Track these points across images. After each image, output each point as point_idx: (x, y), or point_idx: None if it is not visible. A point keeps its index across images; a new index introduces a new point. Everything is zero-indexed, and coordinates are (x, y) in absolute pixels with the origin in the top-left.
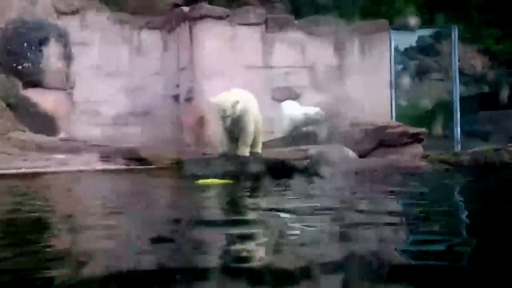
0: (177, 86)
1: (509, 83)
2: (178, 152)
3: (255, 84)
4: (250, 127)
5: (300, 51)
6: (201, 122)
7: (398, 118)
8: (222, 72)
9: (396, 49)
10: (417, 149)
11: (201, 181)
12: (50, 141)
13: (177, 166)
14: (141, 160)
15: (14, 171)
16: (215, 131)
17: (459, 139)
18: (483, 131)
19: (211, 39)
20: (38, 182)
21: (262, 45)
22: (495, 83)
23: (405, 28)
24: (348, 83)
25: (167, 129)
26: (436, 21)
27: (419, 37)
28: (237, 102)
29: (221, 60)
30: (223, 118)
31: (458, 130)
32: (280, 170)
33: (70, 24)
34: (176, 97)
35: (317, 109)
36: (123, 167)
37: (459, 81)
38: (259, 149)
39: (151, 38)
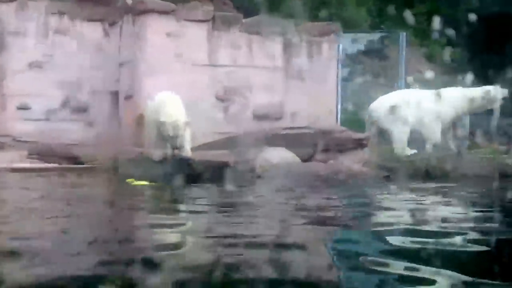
0: (117, 81)
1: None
2: (116, 151)
3: (200, 82)
4: (189, 130)
5: (247, 50)
6: (141, 120)
7: (344, 122)
8: (165, 69)
9: (344, 52)
10: (360, 154)
11: (133, 181)
12: None
13: (114, 166)
14: (75, 159)
15: None
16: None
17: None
18: None
19: (155, 34)
20: None
21: (209, 43)
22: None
23: (354, 31)
24: (295, 85)
25: (104, 127)
26: (384, 26)
27: (367, 41)
28: (188, 122)
29: (165, 56)
30: (174, 137)
31: None
32: (222, 173)
33: (5, 12)
34: (115, 93)
35: (493, 87)
36: (54, 165)
37: (406, 86)
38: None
39: (91, 30)
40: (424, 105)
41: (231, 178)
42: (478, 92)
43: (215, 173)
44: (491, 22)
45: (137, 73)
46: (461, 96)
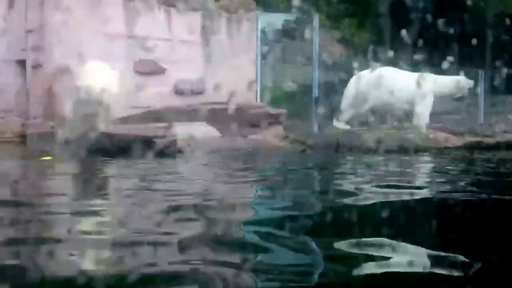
0: (24, 50)
1: (363, 70)
2: (23, 125)
3: (116, 54)
4: (110, 104)
5: (166, 23)
6: (50, 92)
7: (263, 99)
8: (77, 38)
9: (262, 30)
10: (279, 129)
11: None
12: None
13: (21, 140)
14: None
15: None
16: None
17: (317, 122)
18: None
19: (65, 0)
20: None
21: (125, 13)
22: (351, 70)
23: (272, 10)
24: (215, 61)
25: (10, 99)
26: (299, 7)
27: (284, 20)
28: (105, 89)
29: (77, 24)
30: (87, 102)
31: (316, 113)
32: (142, 147)
33: None
34: (22, 63)
35: (463, 77)
36: None
37: (319, 66)
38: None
39: None
40: (408, 87)
41: (150, 153)
42: (451, 80)
43: (133, 147)
44: (398, 6)
45: (45, 41)
46: (439, 82)
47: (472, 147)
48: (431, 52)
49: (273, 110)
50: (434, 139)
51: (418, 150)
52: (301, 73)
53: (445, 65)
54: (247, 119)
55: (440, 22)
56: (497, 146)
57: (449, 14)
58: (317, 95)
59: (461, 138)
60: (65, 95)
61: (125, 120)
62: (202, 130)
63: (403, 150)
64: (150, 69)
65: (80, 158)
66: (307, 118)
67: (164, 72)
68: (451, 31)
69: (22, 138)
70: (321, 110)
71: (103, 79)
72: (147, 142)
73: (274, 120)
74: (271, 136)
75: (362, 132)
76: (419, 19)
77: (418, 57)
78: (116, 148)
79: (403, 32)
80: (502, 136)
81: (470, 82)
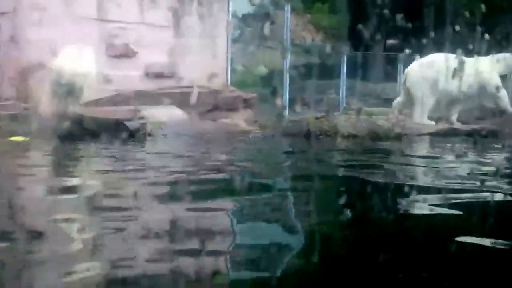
0: None
1: (333, 55)
2: None
3: (89, 37)
4: (85, 87)
5: (137, 7)
6: (23, 74)
7: (234, 83)
8: (51, 21)
9: (234, 14)
10: (249, 113)
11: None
12: None
13: None
14: None
15: None
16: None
17: (287, 106)
18: (310, 99)
19: None
20: None
21: None
22: (322, 54)
23: None
24: (186, 44)
25: None
26: None
27: (256, 4)
28: (82, 72)
29: (51, 7)
30: (59, 84)
31: (287, 97)
32: (112, 130)
33: None
34: None
35: (508, 54)
36: None
37: (290, 50)
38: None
39: None
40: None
41: (121, 135)
42: (497, 60)
43: (104, 130)
44: None
45: (18, 23)
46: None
47: (445, 134)
48: (403, 37)
49: (243, 94)
50: (407, 125)
51: (391, 137)
52: (272, 57)
53: (409, 50)
54: (217, 103)
55: (411, 7)
56: (470, 134)
57: None
58: (287, 79)
59: (434, 125)
60: (39, 78)
61: (95, 103)
62: (172, 114)
63: (374, 136)
64: (121, 53)
65: (52, 140)
66: (278, 102)
67: (135, 56)
68: (421, 16)
69: None
70: (279, 101)
71: (81, 62)
72: (118, 125)
73: (244, 104)
74: (241, 120)
75: (331, 118)
76: (389, 4)
77: (390, 41)
78: (86, 131)
79: (373, 18)
80: (476, 123)
81: None
